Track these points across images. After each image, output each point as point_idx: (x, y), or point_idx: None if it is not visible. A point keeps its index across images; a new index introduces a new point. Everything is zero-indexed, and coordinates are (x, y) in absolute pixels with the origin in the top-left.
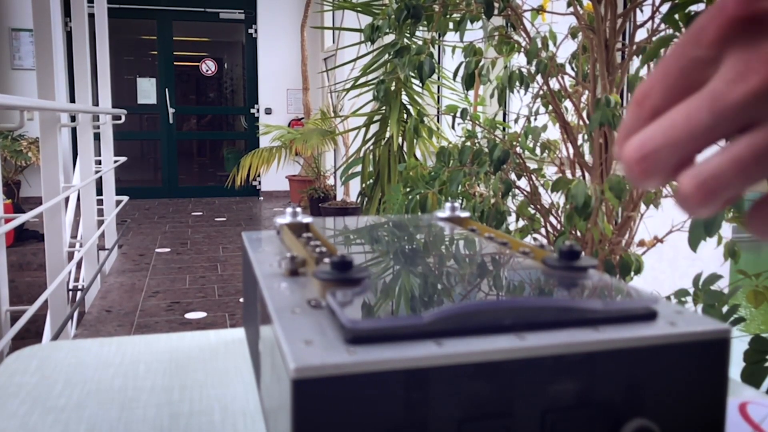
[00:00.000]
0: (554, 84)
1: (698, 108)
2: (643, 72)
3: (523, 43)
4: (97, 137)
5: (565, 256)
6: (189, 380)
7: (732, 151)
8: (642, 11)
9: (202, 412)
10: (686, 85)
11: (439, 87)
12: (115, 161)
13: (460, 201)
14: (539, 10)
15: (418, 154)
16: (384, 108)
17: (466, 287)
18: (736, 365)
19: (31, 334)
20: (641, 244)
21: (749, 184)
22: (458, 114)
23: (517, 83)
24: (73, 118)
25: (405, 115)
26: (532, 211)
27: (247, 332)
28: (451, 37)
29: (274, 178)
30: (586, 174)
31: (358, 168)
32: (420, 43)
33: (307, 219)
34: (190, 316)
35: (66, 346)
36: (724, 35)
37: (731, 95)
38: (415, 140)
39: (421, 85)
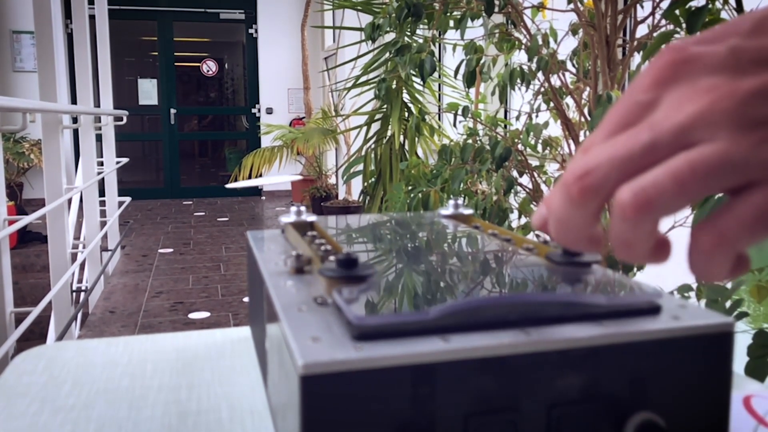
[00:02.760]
0: (555, 81)
1: (638, 131)
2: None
3: (524, 41)
4: (99, 139)
5: (569, 252)
6: (196, 379)
7: (670, 165)
8: (642, 7)
9: (209, 411)
10: (628, 126)
11: (440, 85)
12: (117, 162)
13: (462, 198)
14: (540, 7)
15: (420, 152)
16: (385, 106)
17: (470, 283)
18: (739, 360)
19: (35, 336)
20: None
21: (686, 200)
22: (460, 112)
23: (518, 80)
24: (75, 120)
25: (406, 114)
26: (535, 208)
27: (253, 330)
28: (452, 35)
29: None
30: None
31: (360, 167)
32: (421, 41)
33: (312, 218)
34: (193, 316)
35: (73, 346)
36: (662, 78)
37: (668, 121)
38: (416, 138)
39: (422, 83)
